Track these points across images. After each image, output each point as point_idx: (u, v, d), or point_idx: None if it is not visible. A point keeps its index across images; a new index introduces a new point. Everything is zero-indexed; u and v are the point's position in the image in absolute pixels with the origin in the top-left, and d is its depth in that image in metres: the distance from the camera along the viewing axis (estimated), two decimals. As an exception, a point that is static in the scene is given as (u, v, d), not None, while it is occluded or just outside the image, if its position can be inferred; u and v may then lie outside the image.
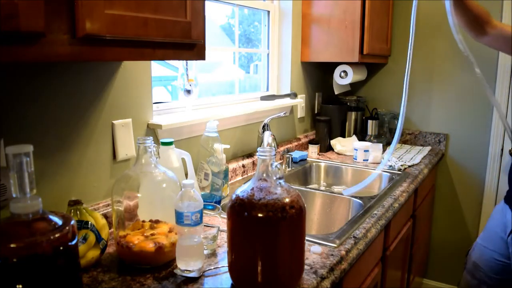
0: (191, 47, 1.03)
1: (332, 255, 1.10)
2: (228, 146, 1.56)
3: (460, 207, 2.55)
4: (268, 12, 2.18)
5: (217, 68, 2.15)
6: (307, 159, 2.20)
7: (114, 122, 1.27)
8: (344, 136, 2.50)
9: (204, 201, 1.02)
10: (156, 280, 0.97)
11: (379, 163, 2.13)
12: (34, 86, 1.04)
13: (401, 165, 2.03)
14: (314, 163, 2.17)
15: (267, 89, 2.27)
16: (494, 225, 1.54)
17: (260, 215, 0.88)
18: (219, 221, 1.19)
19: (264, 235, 0.90)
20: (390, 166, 2.04)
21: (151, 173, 1.10)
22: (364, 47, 2.18)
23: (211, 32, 1.97)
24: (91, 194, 1.22)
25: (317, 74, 2.56)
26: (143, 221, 1.11)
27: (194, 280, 0.97)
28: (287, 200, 0.90)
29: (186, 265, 0.98)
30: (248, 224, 0.90)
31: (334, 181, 2.13)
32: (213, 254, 1.10)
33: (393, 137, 2.59)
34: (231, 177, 1.75)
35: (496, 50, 1.75)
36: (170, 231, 1.07)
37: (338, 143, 2.38)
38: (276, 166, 0.94)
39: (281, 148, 2.13)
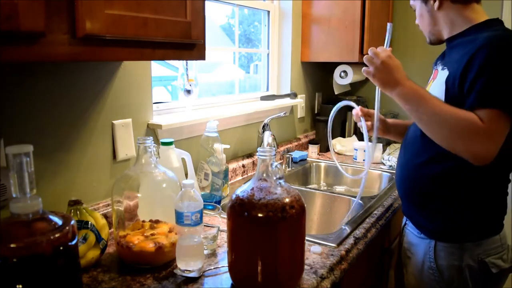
0: (191, 47, 1.03)
1: (332, 255, 1.10)
2: (228, 146, 1.56)
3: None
4: (268, 12, 2.18)
5: (217, 68, 2.15)
6: (307, 159, 2.20)
7: (114, 122, 1.27)
8: (344, 136, 2.50)
9: (204, 201, 1.02)
10: (156, 280, 0.97)
11: (380, 163, 2.13)
12: (34, 86, 1.04)
13: (401, 165, 2.03)
14: (314, 163, 2.17)
15: (267, 89, 2.27)
16: None
17: (260, 215, 0.88)
18: (219, 221, 1.19)
19: (264, 235, 0.90)
20: (390, 166, 2.04)
21: (151, 173, 1.10)
22: (364, 47, 2.18)
23: (211, 32, 1.97)
24: (91, 194, 1.22)
25: (317, 74, 2.56)
26: (143, 221, 1.11)
27: (194, 280, 0.97)
28: (287, 200, 0.90)
29: (186, 265, 0.98)
30: (248, 224, 0.90)
31: (334, 181, 2.13)
32: (213, 254, 1.10)
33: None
34: (231, 177, 1.75)
35: None
36: (170, 231, 1.07)
37: (338, 143, 2.38)
38: (276, 166, 0.94)
39: (281, 148, 2.13)
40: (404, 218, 1.41)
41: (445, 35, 1.26)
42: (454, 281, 1.22)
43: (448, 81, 1.15)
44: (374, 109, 1.38)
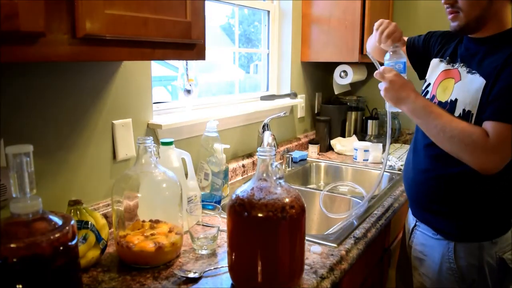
0: (191, 47, 1.03)
1: (332, 255, 1.10)
2: (228, 146, 1.56)
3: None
4: (268, 12, 2.18)
5: (217, 68, 2.15)
6: (307, 159, 2.20)
7: (114, 122, 1.27)
8: (344, 136, 2.50)
9: (204, 201, 1.02)
10: (156, 280, 0.97)
11: (380, 163, 2.13)
12: (34, 86, 1.04)
13: (401, 165, 2.03)
14: (314, 163, 2.17)
15: (267, 89, 2.27)
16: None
17: (260, 215, 0.88)
18: (219, 221, 1.19)
19: (264, 235, 0.90)
20: (390, 166, 2.04)
21: (151, 173, 1.10)
22: (364, 47, 2.17)
23: (211, 32, 1.97)
24: (91, 194, 1.22)
25: (317, 74, 2.56)
26: (143, 221, 1.11)
27: (194, 280, 0.97)
28: (287, 200, 0.90)
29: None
30: (248, 224, 0.90)
31: (334, 181, 2.12)
32: (213, 254, 1.10)
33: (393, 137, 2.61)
34: (231, 177, 1.75)
35: None
36: (170, 231, 1.07)
37: (338, 143, 2.38)
38: (276, 166, 0.94)
39: (281, 148, 2.13)
40: (413, 219, 1.38)
41: (487, 29, 1.16)
42: (474, 280, 1.22)
43: (485, 91, 1.12)
44: (383, 114, 1.40)
